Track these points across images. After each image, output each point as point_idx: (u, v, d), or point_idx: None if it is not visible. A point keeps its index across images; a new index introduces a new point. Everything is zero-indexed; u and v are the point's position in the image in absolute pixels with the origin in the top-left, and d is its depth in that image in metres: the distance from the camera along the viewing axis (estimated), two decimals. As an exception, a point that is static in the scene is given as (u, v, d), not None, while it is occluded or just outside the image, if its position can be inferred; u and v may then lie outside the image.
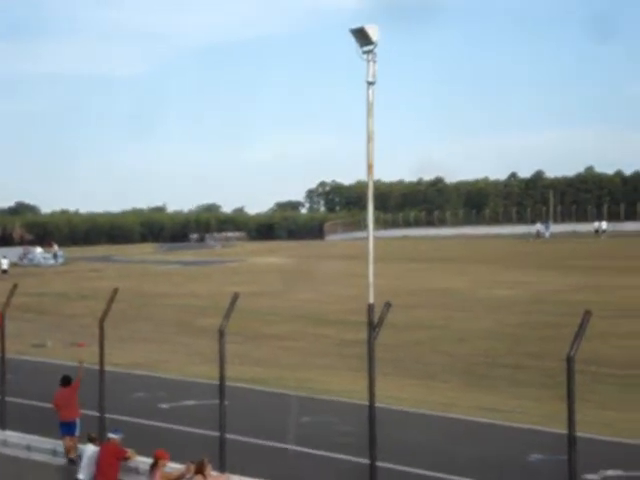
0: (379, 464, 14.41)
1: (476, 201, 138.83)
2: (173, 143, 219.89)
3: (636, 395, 24.88)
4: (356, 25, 15.93)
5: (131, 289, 47.26)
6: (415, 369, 29.35)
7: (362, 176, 17.63)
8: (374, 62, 15.97)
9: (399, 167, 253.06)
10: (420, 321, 38.22)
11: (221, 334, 15.48)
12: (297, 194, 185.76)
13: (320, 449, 18.95)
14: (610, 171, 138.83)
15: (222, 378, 15.55)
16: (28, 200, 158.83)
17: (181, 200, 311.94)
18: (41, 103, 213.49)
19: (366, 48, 15.94)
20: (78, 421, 17.78)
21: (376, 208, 24.70)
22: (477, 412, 22.51)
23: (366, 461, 14.51)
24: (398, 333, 30.75)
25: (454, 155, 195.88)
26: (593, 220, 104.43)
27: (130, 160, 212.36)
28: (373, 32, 15.83)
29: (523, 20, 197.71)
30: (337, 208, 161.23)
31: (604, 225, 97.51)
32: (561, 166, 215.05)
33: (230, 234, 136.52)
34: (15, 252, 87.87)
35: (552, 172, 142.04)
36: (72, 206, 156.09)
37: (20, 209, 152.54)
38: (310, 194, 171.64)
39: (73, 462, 17.29)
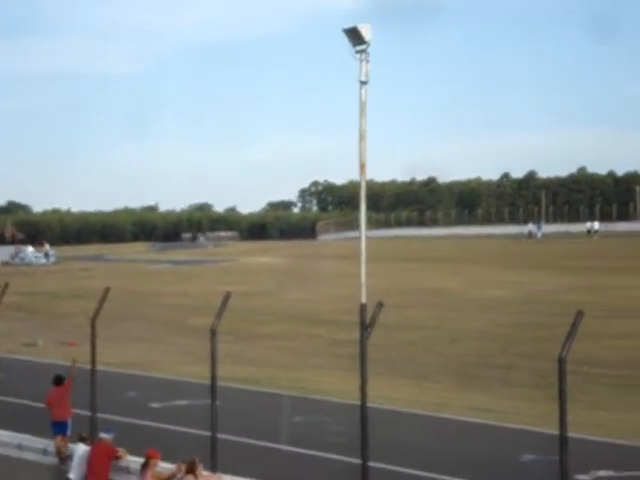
0: (371, 464, 14.38)
1: (468, 201, 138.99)
2: (168, 142, 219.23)
3: (628, 395, 24.90)
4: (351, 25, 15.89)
5: (123, 288, 47.07)
6: (407, 369, 29.35)
7: (354, 176, 17.58)
8: (367, 61, 15.91)
9: (392, 167, 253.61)
10: (412, 321, 38.21)
11: (213, 333, 15.44)
12: (289, 194, 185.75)
13: (312, 449, 18.95)
14: (602, 171, 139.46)
15: (214, 378, 15.51)
16: (20, 199, 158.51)
17: (173, 199, 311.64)
18: (35, 102, 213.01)
19: (359, 47, 15.88)
20: (70, 420, 17.74)
21: (368, 208, 24.64)
22: (469, 412, 22.52)
23: (358, 461, 14.48)
24: (390, 333, 30.68)
25: (447, 155, 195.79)
26: (585, 220, 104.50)
27: (125, 159, 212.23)
28: (366, 31, 15.78)
29: (522, 20, 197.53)
30: (329, 208, 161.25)
31: (596, 225, 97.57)
32: (553, 166, 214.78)
33: (222, 234, 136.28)
34: (6, 251, 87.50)
35: (544, 172, 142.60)
36: (64, 205, 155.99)
37: (12, 208, 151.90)
38: (302, 194, 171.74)
39: (64, 461, 17.24)
